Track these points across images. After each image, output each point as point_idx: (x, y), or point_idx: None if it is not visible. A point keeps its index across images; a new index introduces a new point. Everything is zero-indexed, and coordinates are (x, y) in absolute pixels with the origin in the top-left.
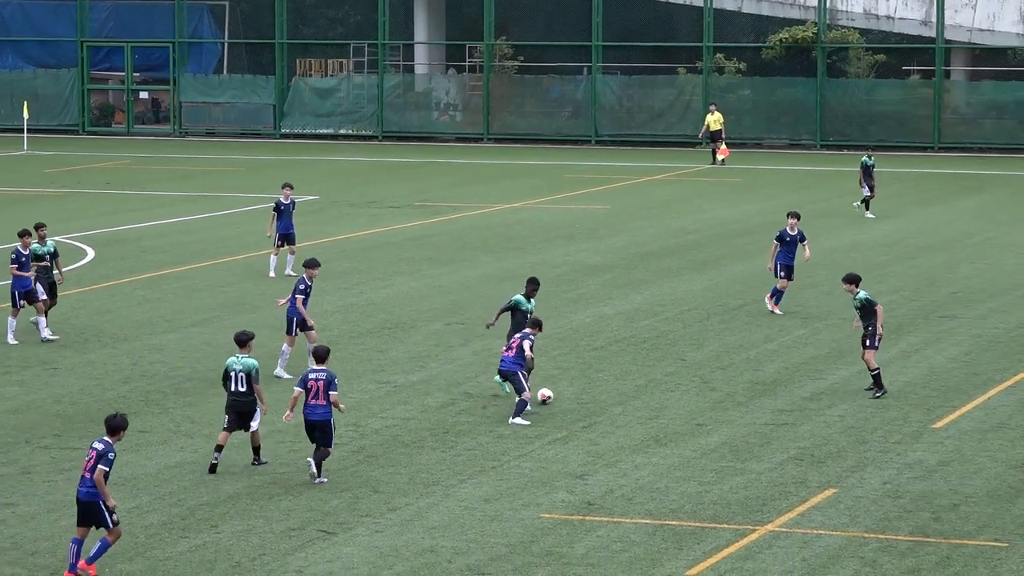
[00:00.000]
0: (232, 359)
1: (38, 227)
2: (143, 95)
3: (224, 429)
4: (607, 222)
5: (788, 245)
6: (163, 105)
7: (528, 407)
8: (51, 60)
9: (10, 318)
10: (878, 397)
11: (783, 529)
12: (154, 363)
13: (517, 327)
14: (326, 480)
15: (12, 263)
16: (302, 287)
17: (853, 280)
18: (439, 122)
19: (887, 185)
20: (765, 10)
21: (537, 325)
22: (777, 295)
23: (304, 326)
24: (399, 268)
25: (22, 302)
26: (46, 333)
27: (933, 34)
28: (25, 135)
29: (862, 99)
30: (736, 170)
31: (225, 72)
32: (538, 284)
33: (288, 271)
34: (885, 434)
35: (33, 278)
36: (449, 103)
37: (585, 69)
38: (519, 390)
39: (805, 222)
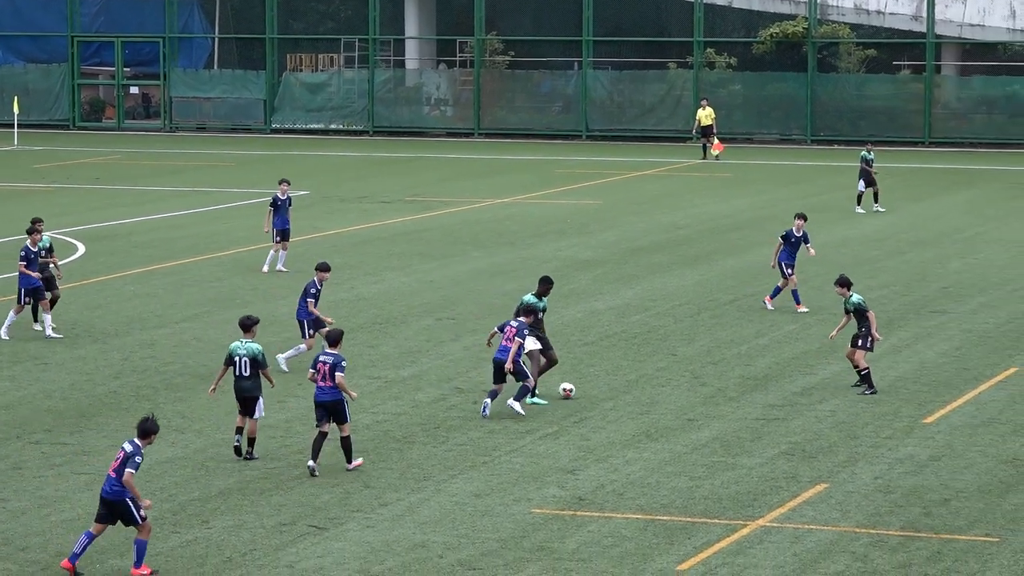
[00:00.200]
0: (236, 344)
1: (34, 223)
2: (133, 90)
3: (240, 412)
4: (598, 217)
5: (792, 245)
6: (153, 100)
7: (527, 399)
8: (41, 55)
9: (12, 313)
10: (867, 395)
11: (774, 524)
12: (144, 358)
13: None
14: (361, 461)
15: (21, 260)
16: (313, 291)
17: (845, 284)
18: (430, 117)
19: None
20: (756, 5)
21: (530, 313)
22: (776, 291)
23: (319, 325)
24: (390, 263)
25: (27, 299)
26: (49, 330)
27: (923, 29)
28: (15, 130)
29: (853, 94)
30: (727, 165)
31: (215, 67)
32: (551, 284)
33: (280, 267)
34: (876, 429)
35: (38, 276)
36: (440, 98)
37: (576, 64)
38: (523, 377)
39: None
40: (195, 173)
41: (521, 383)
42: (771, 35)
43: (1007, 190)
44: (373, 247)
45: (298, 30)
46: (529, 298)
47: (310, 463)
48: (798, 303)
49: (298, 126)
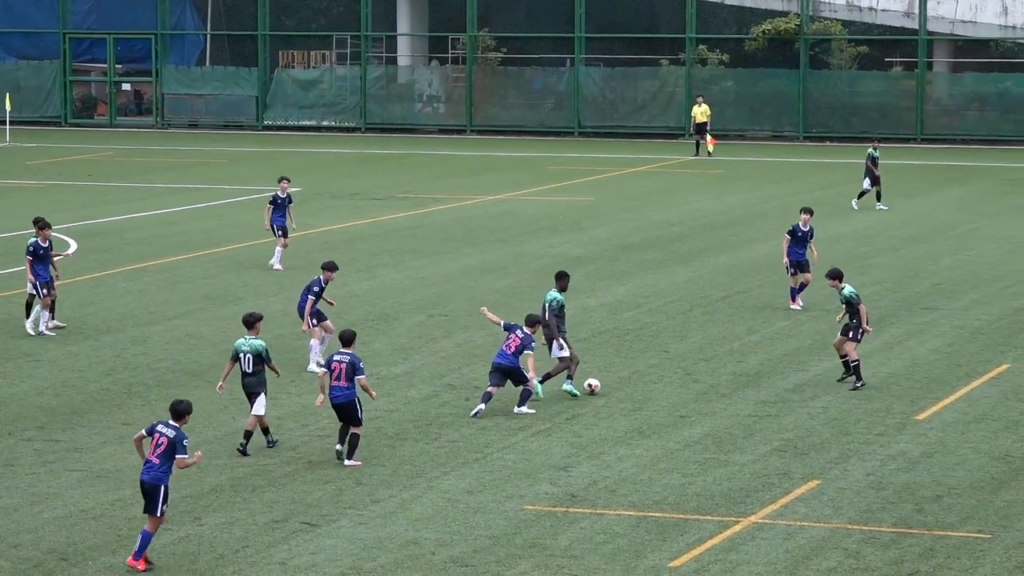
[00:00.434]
0: (240, 340)
1: (36, 221)
2: (125, 87)
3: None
4: (590, 214)
5: (799, 241)
6: (145, 97)
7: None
8: (33, 52)
9: (43, 310)
10: (857, 388)
11: (766, 521)
12: (137, 355)
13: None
14: (360, 463)
15: (30, 255)
16: (316, 288)
17: (835, 276)
18: (422, 114)
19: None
20: (748, 2)
21: (535, 324)
22: (793, 292)
23: (321, 316)
24: (382, 260)
25: (45, 290)
26: (44, 327)
27: (915, 26)
28: (7, 127)
29: (845, 91)
30: (719, 162)
31: (207, 64)
32: (568, 277)
33: (274, 261)
34: (868, 426)
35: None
36: (432, 95)
37: (568, 61)
38: (522, 380)
39: (787, 214)
40: (187, 170)
41: (523, 387)
42: (763, 32)
43: (999, 187)
44: (365, 244)
45: (290, 27)
46: (553, 295)
47: (337, 446)
48: (793, 299)
49: (290, 123)
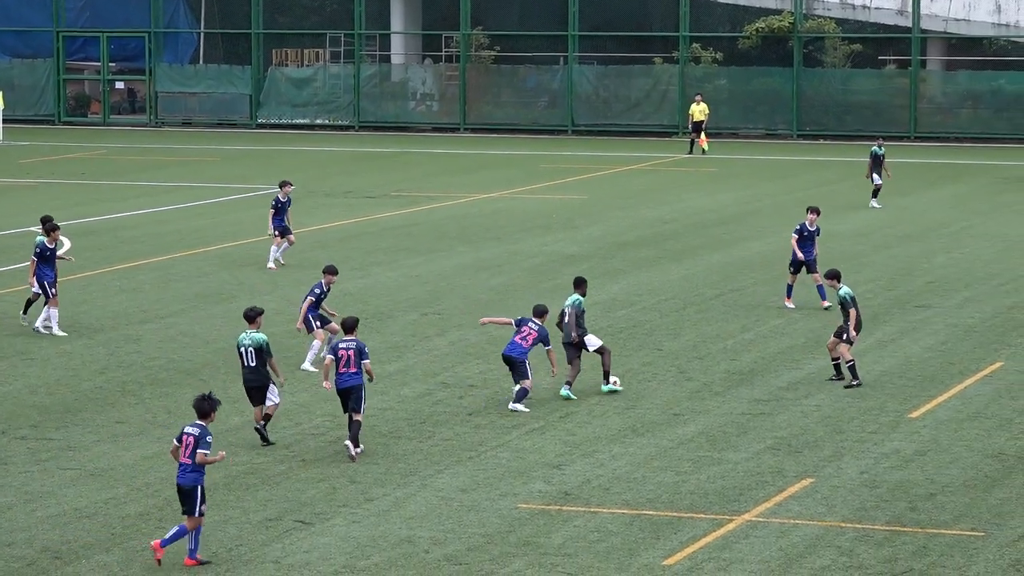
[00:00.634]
0: (242, 335)
1: (43, 221)
2: (119, 85)
3: (254, 405)
4: (584, 212)
5: (807, 239)
6: (139, 95)
7: (529, 395)
8: (26, 50)
9: (54, 309)
10: (852, 387)
11: (760, 519)
12: (130, 353)
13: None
14: (362, 449)
15: (36, 255)
16: (317, 291)
17: (834, 276)
18: (416, 112)
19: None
20: (741, 0)
21: (543, 314)
22: (789, 288)
23: (325, 320)
24: (376, 258)
25: (53, 290)
26: (55, 327)
27: (909, 24)
28: (1, 125)
29: (838, 89)
30: (713, 160)
31: (201, 62)
32: (585, 281)
33: (277, 256)
34: (862, 424)
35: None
36: (426, 93)
37: (561, 59)
38: (523, 377)
39: (781, 212)
40: (181, 168)
41: (519, 385)
42: (756, 30)
43: (992, 185)
44: (359, 242)
45: (283, 25)
46: (576, 298)
47: (351, 449)
48: (788, 296)
49: (284, 121)
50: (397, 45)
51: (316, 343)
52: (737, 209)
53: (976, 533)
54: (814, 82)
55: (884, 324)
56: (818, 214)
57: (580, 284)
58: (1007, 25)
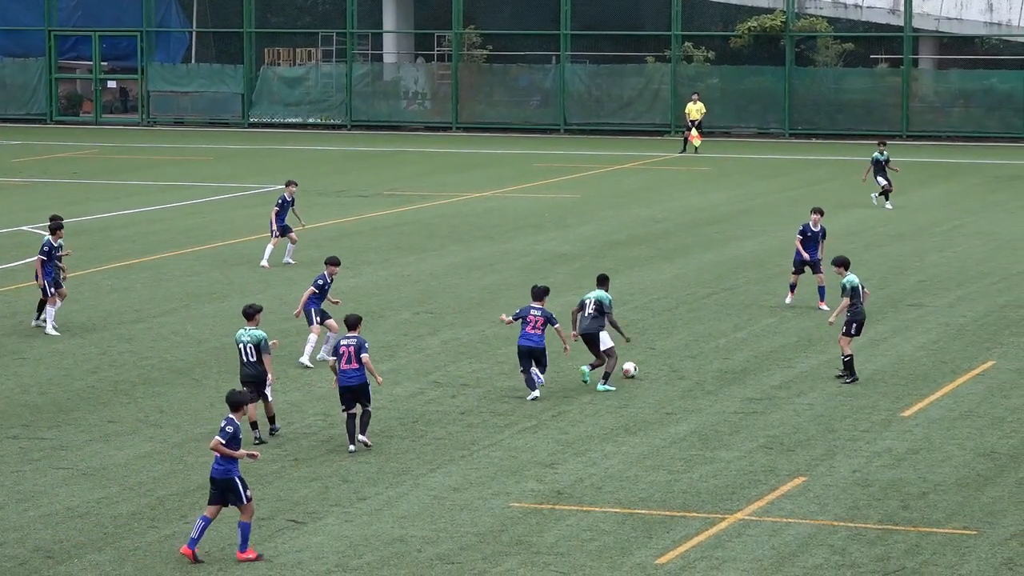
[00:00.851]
0: (240, 331)
1: (52, 220)
2: (111, 84)
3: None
4: (576, 211)
5: (810, 240)
6: (131, 94)
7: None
8: (18, 49)
9: (50, 307)
10: (847, 383)
11: (752, 517)
12: (123, 353)
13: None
14: (370, 443)
15: (44, 255)
16: (320, 282)
17: (840, 263)
18: (408, 111)
19: (856, 173)
20: None
21: (543, 296)
22: (792, 285)
23: (325, 315)
24: (368, 257)
25: (52, 289)
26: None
27: (901, 22)
28: None
29: (830, 88)
30: (705, 159)
31: (193, 61)
32: (607, 277)
33: (288, 259)
34: (854, 422)
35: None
36: (418, 92)
37: (554, 58)
38: (543, 366)
39: (773, 211)
40: (173, 167)
41: (536, 373)
42: (749, 29)
43: (985, 184)
44: (351, 241)
45: (276, 24)
46: (601, 294)
47: (351, 447)
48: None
49: (276, 120)
50: (389, 44)
51: (312, 337)
52: (729, 208)
53: (968, 531)
54: (806, 81)
55: (876, 323)
56: (822, 214)
57: (604, 281)
58: (999, 24)
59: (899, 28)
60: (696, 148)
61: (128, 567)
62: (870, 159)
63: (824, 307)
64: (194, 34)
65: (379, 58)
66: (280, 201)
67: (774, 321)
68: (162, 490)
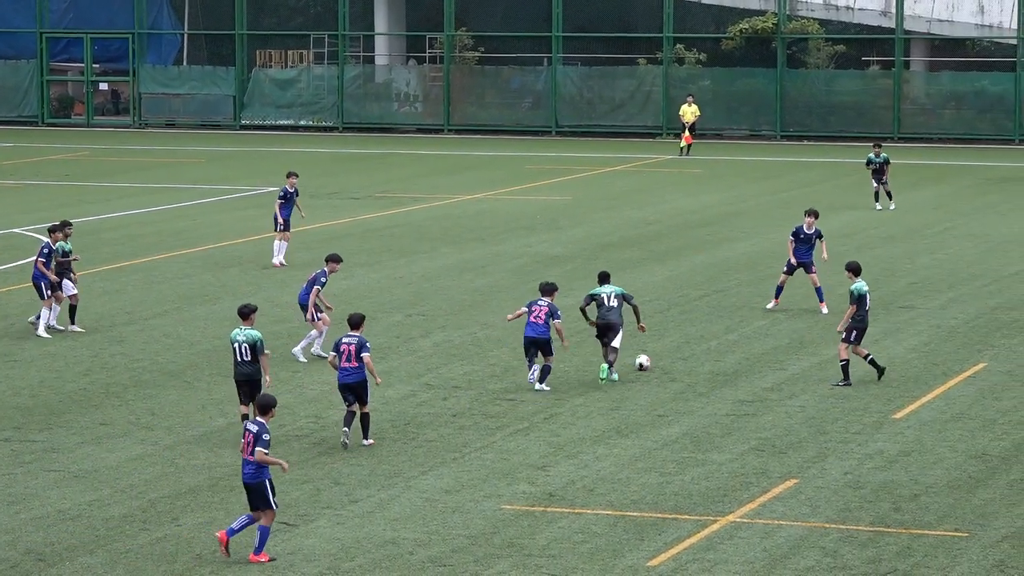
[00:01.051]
0: (235, 331)
1: (64, 225)
2: (103, 86)
3: (241, 402)
4: (568, 213)
5: (803, 242)
6: (123, 96)
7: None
8: (10, 51)
9: (45, 310)
10: (838, 386)
11: (744, 520)
12: (114, 355)
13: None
14: (373, 442)
15: (43, 258)
16: (323, 280)
17: (850, 269)
18: (399, 113)
19: (847, 175)
20: (725, 1)
21: (551, 291)
22: (778, 289)
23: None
24: (359, 259)
25: (49, 293)
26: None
27: (892, 25)
28: None
29: (822, 90)
30: (696, 161)
31: (185, 63)
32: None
33: (280, 258)
34: (846, 424)
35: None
36: (409, 94)
37: (545, 60)
38: (548, 354)
39: (765, 213)
40: (164, 169)
41: (544, 363)
42: (740, 31)
43: (976, 186)
44: (343, 243)
45: (268, 26)
46: (616, 288)
47: (344, 440)
48: (776, 297)
49: (267, 122)
50: (381, 46)
51: (313, 332)
52: (721, 210)
53: (960, 534)
54: (798, 83)
55: (868, 325)
56: (816, 216)
57: (603, 278)
58: (990, 26)
59: (890, 30)
60: (684, 149)
61: (119, 570)
62: (866, 161)
63: (825, 310)
64: (186, 36)
65: (371, 60)
66: (283, 193)
67: (766, 323)
68: (153, 492)
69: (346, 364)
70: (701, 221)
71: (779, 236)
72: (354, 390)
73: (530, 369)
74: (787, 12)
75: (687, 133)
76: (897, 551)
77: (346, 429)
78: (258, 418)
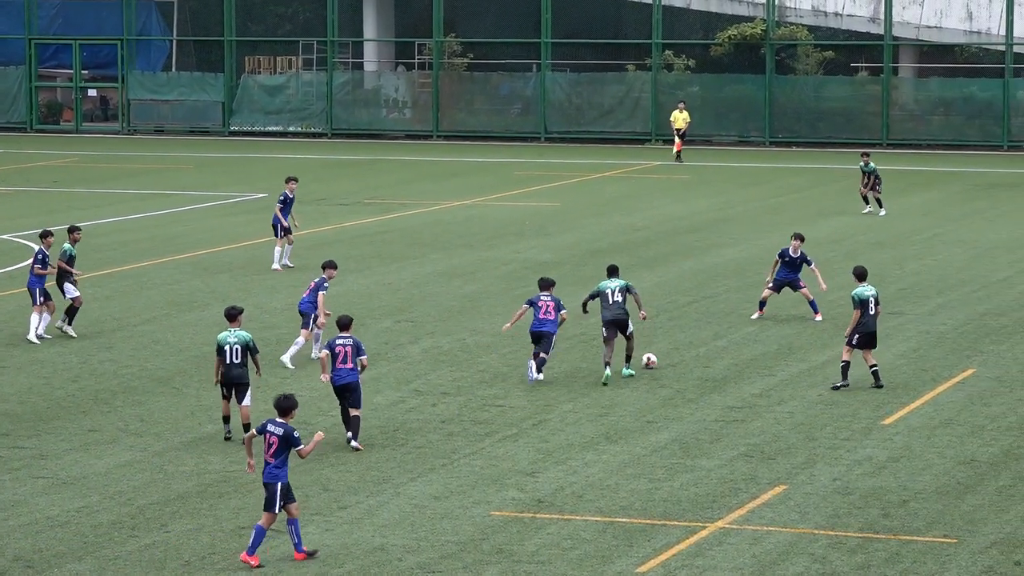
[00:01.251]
0: (225, 333)
1: (72, 230)
2: (91, 92)
3: (224, 398)
4: (556, 219)
5: (788, 264)
6: (112, 103)
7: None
8: None
9: (35, 316)
10: (837, 388)
11: (733, 526)
12: (103, 362)
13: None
14: (361, 448)
15: (39, 263)
16: (325, 285)
17: (856, 274)
18: (388, 119)
19: (836, 181)
20: (714, 7)
21: (551, 285)
22: (762, 303)
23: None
24: (348, 266)
25: (42, 297)
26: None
27: (881, 31)
28: None
29: (811, 96)
30: (685, 167)
31: (174, 69)
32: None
33: (286, 261)
34: (835, 431)
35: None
36: (398, 100)
37: (534, 66)
38: (547, 349)
39: (753, 219)
40: (153, 176)
41: (540, 355)
42: (729, 37)
43: (965, 192)
44: (331, 249)
45: (256, 32)
46: (619, 282)
47: (353, 444)
48: (760, 309)
49: (256, 128)
50: (370, 52)
51: (300, 340)
52: (710, 216)
53: (948, 540)
54: (786, 89)
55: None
56: (802, 240)
57: (612, 271)
58: (978, 32)
59: (879, 36)
60: (676, 155)
61: None
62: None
63: (819, 318)
64: (174, 42)
65: (360, 66)
66: (283, 198)
67: (754, 329)
68: (142, 499)
69: (342, 365)
70: (690, 227)
71: (768, 242)
72: (348, 390)
73: (535, 359)
74: (776, 18)
75: (678, 140)
76: (886, 557)
77: (349, 434)
78: (278, 420)
